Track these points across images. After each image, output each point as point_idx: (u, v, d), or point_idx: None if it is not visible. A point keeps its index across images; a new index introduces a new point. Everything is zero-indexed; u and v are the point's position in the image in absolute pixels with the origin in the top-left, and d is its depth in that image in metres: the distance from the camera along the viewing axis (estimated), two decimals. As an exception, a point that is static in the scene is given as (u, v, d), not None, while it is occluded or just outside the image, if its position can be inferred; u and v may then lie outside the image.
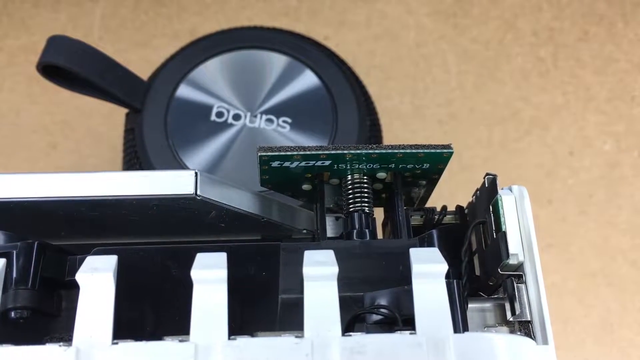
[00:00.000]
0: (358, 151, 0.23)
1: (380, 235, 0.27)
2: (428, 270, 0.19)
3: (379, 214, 0.27)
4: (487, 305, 0.23)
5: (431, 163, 0.24)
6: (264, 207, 0.26)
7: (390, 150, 0.23)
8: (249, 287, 0.22)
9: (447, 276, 0.20)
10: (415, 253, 0.20)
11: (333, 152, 0.23)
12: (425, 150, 0.23)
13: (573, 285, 0.44)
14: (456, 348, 0.18)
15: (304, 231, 0.27)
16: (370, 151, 0.23)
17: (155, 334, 0.20)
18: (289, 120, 0.36)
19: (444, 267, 0.19)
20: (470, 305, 0.23)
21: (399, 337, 0.18)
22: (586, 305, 0.44)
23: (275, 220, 0.26)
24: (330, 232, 0.27)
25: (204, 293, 0.19)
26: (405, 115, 0.49)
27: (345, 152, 0.23)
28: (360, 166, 0.24)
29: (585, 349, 0.43)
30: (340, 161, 0.24)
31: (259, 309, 0.23)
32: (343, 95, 0.37)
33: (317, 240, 0.25)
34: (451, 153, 0.23)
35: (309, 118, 0.36)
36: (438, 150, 0.23)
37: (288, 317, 0.22)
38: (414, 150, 0.23)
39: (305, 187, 0.26)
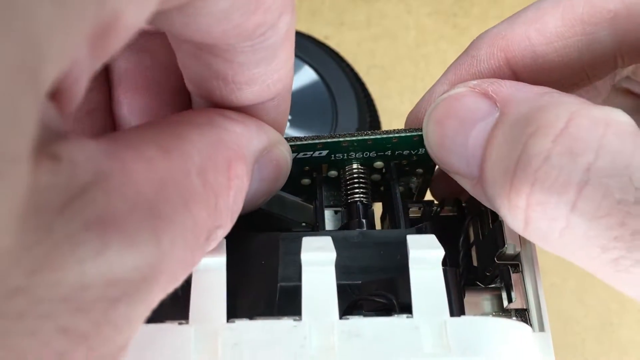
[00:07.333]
0: (353, 138, 0.23)
1: (378, 228, 0.27)
2: (425, 255, 0.19)
3: (377, 210, 0.28)
4: (484, 294, 0.23)
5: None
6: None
7: (385, 135, 0.23)
8: (247, 274, 0.23)
9: (444, 265, 0.20)
10: (412, 239, 0.20)
11: (329, 140, 0.23)
12: (420, 133, 0.23)
13: (573, 285, 0.44)
14: (452, 331, 0.18)
15: (303, 224, 0.27)
16: (366, 137, 0.23)
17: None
18: (289, 117, 0.37)
19: (440, 252, 0.19)
20: (467, 295, 0.23)
21: (396, 320, 0.18)
22: (586, 305, 0.44)
23: (274, 213, 0.26)
24: (329, 226, 0.27)
25: (203, 278, 0.19)
26: (405, 115, 0.49)
27: (341, 139, 0.23)
28: (357, 155, 0.24)
29: (585, 349, 0.43)
30: (337, 150, 0.24)
31: (257, 297, 0.23)
32: (342, 92, 0.37)
33: (316, 231, 0.25)
34: None
35: (309, 115, 0.37)
36: None
37: (286, 305, 0.22)
38: (408, 134, 0.23)
39: (305, 181, 0.26)
